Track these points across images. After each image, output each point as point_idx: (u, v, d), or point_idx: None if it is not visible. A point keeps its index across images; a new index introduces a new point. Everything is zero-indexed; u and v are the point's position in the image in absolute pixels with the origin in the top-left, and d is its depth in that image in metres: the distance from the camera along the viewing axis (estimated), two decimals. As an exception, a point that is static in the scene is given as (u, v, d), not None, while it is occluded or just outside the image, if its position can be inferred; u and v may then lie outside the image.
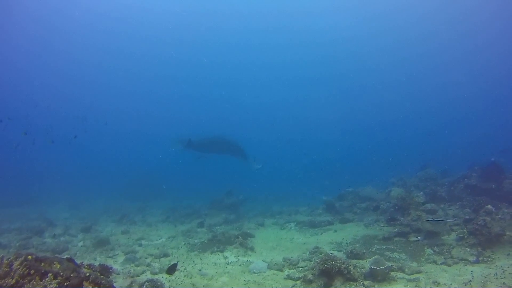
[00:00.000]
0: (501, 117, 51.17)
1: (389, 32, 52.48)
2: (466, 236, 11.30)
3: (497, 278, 8.61)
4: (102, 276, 5.99)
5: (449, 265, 9.93)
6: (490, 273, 8.94)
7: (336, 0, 47.57)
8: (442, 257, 10.57)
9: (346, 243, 13.27)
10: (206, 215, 19.95)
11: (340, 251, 12.26)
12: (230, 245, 13.28)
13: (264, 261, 11.52)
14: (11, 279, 4.62)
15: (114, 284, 8.96)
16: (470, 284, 8.41)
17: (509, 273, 8.84)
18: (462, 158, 24.49)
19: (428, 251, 11.31)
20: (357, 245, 12.66)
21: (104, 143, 55.38)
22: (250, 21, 52.13)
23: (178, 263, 9.19)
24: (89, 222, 18.73)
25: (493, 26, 46.25)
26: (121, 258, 12.25)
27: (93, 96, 61.68)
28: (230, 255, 12.45)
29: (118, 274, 10.24)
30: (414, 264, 10.24)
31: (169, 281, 9.58)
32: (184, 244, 14.04)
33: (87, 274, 5.52)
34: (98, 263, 6.66)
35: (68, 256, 6.06)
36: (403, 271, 9.59)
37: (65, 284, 4.89)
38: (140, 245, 14.42)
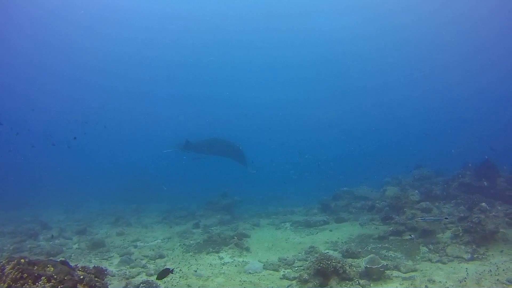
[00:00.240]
0: (495, 117, 51.66)
1: (386, 32, 52.45)
2: (460, 234, 11.36)
3: (491, 275, 8.66)
4: (96, 279, 5.96)
5: (444, 263, 9.98)
6: (484, 270, 8.99)
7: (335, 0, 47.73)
8: (437, 255, 10.62)
9: (342, 242, 13.29)
10: (201, 216, 19.90)
11: (335, 250, 12.28)
12: (225, 246, 13.26)
13: (259, 261, 11.51)
14: (3, 283, 4.58)
15: (109, 286, 8.94)
16: (465, 281, 8.45)
17: (503, 270, 8.90)
18: (455, 157, 24.58)
19: (423, 249, 11.35)
20: (353, 244, 12.68)
21: (101, 146, 55.14)
22: (247, 22, 52.01)
23: (173, 268, 9.05)
24: (84, 224, 18.62)
25: (489, 28, 46.51)
26: (116, 260, 12.19)
27: (92, 97, 61.46)
28: (226, 255, 12.43)
29: (113, 276, 10.19)
30: (410, 263, 10.28)
31: (164, 282, 9.55)
32: (180, 245, 14.01)
33: (81, 277, 5.48)
34: (93, 266, 6.62)
35: (62, 259, 6.02)
36: (398, 270, 9.63)
37: (59, 287, 4.85)
38: (136, 246, 14.36)
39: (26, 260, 5.05)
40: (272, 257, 11.91)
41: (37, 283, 4.67)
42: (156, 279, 8.48)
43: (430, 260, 10.33)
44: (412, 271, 9.53)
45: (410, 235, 12.28)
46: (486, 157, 16.67)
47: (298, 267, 10.70)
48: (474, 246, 10.62)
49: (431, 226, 12.23)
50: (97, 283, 5.71)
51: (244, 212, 21.44)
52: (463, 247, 10.75)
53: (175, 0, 46.77)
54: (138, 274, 10.51)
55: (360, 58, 57.79)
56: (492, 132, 45.81)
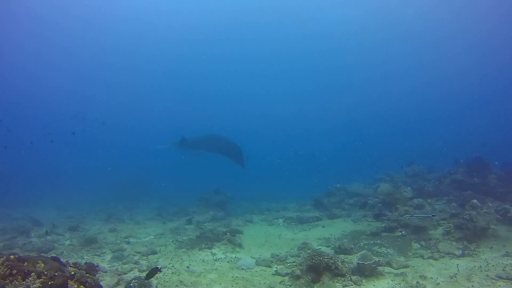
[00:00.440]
0: (485, 113, 52.05)
1: (380, 28, 52.77)
2: (452, 231, 11.44)
3: (481, 271, 8.74)
4: (88, 275, 5.93)
5: (435, 259, 10.05)
6: (475, 266, 9.07)
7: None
8: (429, 251, 10.69)
9: (334, 238, 13.33)
10: (194, 213, 19.86)
11: (328, 246, 12.32)
12: (218, 242, 13.25)
13: (252, 257, 11.52)
14: (-8, 280, 4.54)
15: (101, 283, 8.89)
16: (455, 277, 8.52)
17: (493, 266, 8.98)
18: (447, 153, 24.74)
19: (416, 245, 11.42)
20: (345, 240, 12.73)
21: (98, 142, 54.81)
22: (245, 15, 52.17)
23: (161, 267, 8.91)
24: (76, 221, 18.52)
25: (482, 25, 46.82)
26: (108, 256, 12.13)
27: (89, 93, 61.18)
28: (218, 251, 12.42)
29: (106, 272, 10.14)
30: (402, 259, 10.34)
31: (157, 278, 9.52)
32: (172, 241, 13.96)
33: (72, 273, 5.45)
34: (85, 262, 6.58)
35: (54, 255, 5.98)
36: (390, 266, 9.67)
37: (49, 283, 4.81)
38: (128, 243, 14.29)
39: (16, 256, 5.00)
40: (264, 253, 11.92)
41: (26, 280, 4.63)
42: (145, 279, 8.36)
43: (422, 256, 10.40)
44: (404, 267, 9.58)
45: (401, 232, 12.34)
46: (478, 154, 16.80)
47: (290, 263, 10.72)
48: (465, 243, 10.71)
49: (423, 222, 12.30)
50: (88, 279, 5.67)
51: (237, 208, 21.43)
52: (454, 243, 10.83)
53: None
54: (131, 270, 10.46)
55: (355, 52, 57.92)
56: (483, 128, 46.18)
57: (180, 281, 9.36)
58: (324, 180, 23.64)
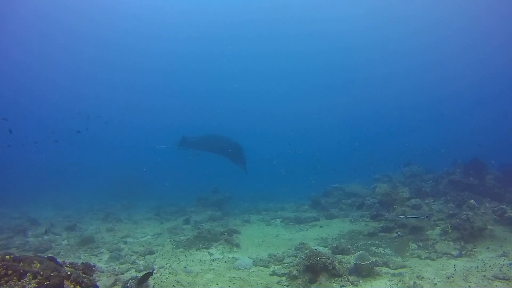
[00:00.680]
0: (482, 114, 52.17)
1: (379, 27, 52.89)
2: (449, 231, 11.46)
3: (478, 271, 8.75)
4: (84, 275, 5.92)
5: (433, 260, 10.06)
6: (472, 267, 9.08)
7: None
8: (426, 251, 10.70)
9: (332, 238, 13.33)
10: (192, 212, 19.84)
11: (325, 246, 12.31)
12: (215, 242, 13.23)
13: (249, 257, 11.50)
14: (-13, 280, 4.52)
15: (98, 283, 8.88)
16: (452, 278, 8.52)
17: (489, 266, 9.00)
18: (445, 154, 24.76)
19: (413, 246, 11.43)
20: (343, 240, 12.73)
21: (99, 141, 54.77)
22: (246, 14, 52.35)
23: (153, 270, 8.70)
24: (74, 220, 18.49)
25: (482, 25, 46.97)
26: (105, 256, 12.11)
27: (89, 91, 61.19)
28: (216, 251, 12.41)
29: (102, 272, 10.12)
30: (399, 259, 10.34)
31: (154, 278, 9.51)
32: (170, 241, 13.95)
33: (69, 273, 5.44)
34: (81, 262, 6.57)
35: (50, 255, 5.96)
36: (387, 266, 9.67)
37: (45, 283, 4.80)
38: (125, 242, 14.27)
39: (12, 256, 4.99)
40: (262, 253, 11.91)
41: (22, 280, 4.61)
42: (137, 286, 8.18)
43: (419, 256, 10.41)
44: (401, 267, 9.59)
45: (397, 233, 12.35)
46: (475, 155, 16.83)
47: (288, 263, 10.71)
48: (462, 243, 10.72)
49: (420, 223, 12.32)
50: (85, 279, 5.66)
51: (234, 208, 21.44)
52: (451, 243, 10.84)
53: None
54: (128, 270, 10.44)
55: (352, 52, 58.00)
56: (480, 128, 46.30)
57: (177, 281, 9.34)
58: (322, 180, 23.63)
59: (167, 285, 9.11)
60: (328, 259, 8.93)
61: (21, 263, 4.98)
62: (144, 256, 12.11)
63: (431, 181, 18.08)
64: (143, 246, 13.30)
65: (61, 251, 12.81)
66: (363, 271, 9.03)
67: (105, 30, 52.29)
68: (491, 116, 50.77)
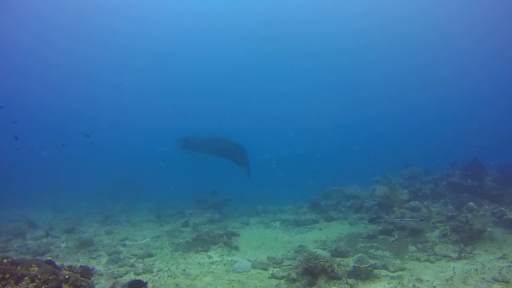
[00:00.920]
0: (482, 116, 52.29)
1: (379, 29, 52.98)
2: (449, 233, 11.45)
3: (477, 274, 8.74)
4: (82, 278, 5.88)
5: (432, 262, 10.05)
6: (471, 269, 9.07)
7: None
8: (426, 254, 10.69)
9: (331, 241, 13.31)
10: (191, 215, 19.79)
11: (324, 249, 12.30)
12: (214, 245, 13.20)
13: (248, 260, 11.49)
14: (-17, 285, 4.49)
15: (97, 286, 8.90)
16: (451, 280, 8.51)
17: (489, 268, 8.99)
18: (444, 155, 24.77)
19: (412, 248, 11.42)
20: (342, 243, 12.71)
21: (102, 144, 54.81)
22: (244, 16, 52.46)
23: (147, 282, 8.52)
24: (73, 223, 18.47)
25: (481, 26, 47.09)
26: (104, 259, 12.08)
27: (90, 93, 61.20)
28: (215, 254, 12.39)
29: (101, 275, 10.10)
30: (398, 262, 10.32)
31: (153, 281, 9.49)
32: (169, 244, 13.93)
33: (67, 277, 5.41)
34: (80, 265, 6.54)
35: (48, 259, 5.93)
36: (386, 269, 9.66)
37: (43, 287, 4.77)
38: (124, 245, 14.25)
39: (9, 260, 4.96)
40: (261, 256, 11.89)
41: (20, 284, 4.59)
42: None
43: (418, 259, 10.39)
44: (400, 270, 9.57)
45: (394, 236, 12.34)
46: (475, 157, 16.81)
47: (287, 266, 10.69)
48: (461, 245, 10.71)
49: (419, 225, 12.31)
50: (83, 283, 5.64)
51: (233, 211, 21.43)
52: (451, 246, 10.83)
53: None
54: (126, 273, 10.41)
55: (352, 53, 58.06)
56: (479, 130, 46.37)
57: (176, 284, 9.32)
58: (321, 182, 23.61)
59: (165, 288, 9.11)
60: (327, 262, 8.92)
61: (19, 267, 4.94)
62: (143, 259, 12.09)
63: (430, 183, 18.07)
64: (142, 249, 13.28)
65: (60, 254, 12.79)
66: (362, 274, 9.02)
67: (105, 31, 52.39)
68: (491, 117, 50.91)
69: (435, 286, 8.31)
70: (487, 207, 13.78)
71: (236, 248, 12.99)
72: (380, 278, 9.06)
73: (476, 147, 23.43)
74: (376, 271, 9.36)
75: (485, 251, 10.41)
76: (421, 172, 19.98)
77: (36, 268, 5.10)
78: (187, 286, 9.28)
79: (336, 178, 23.63)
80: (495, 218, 12.75)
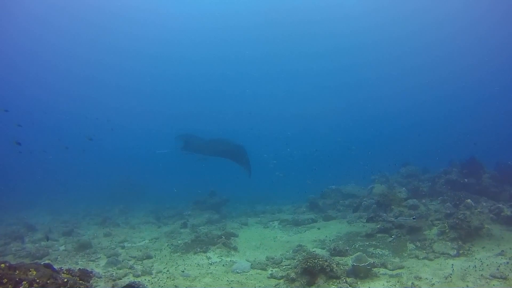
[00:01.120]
0: (479, 114, 52.44)
1: (377, 29, 53.05)
2: (447, 231, 11.46)
3: (475, 271, 8.76)
4: (81, 281, 5.88)
5: (430, 260, 10.07)
6: (469, 266, 9.10)
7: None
8: (424, 251, 10.71)
9: (330, 240, 13.32)
10: (189, 216, 19.77)
11: (323, 248, 12.31)
12: (213, 245, 13.19)
13: (247, 260, 11.49)
14: (-20, 290, 4.48)
15: (95, 289, 8.85)
16: (450, 277, 8.53)
17: (487, 265, 9.01)
18: (441, 153, 24.84)
19: (411, 246, 11.44)
20: (340, 242, 12.71)
21: (102, 146, 54.67)
22: (243, 16, 52.50)
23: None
24: (71, 225, 18.45)
25: (481, 25, 47.21)
26: (103, 261, 12.06)
27: (90, 94, 61.17)
28: (213, 255, 12.38)
29: (100, 277, 10.08)
30: (397, 260, 10.34)
31: (152, 283, 9.49)
32: (167, 245, 13.93)
33: (65, 280, 5.40)
34: (78, 268, 6.53)
35: (46, 262, 5.93)
36: (385, 267, 9.67)
37: (41, 291, 4.77)
38: (123, 247, 14.23)
39: (7, 264, 4.94)
40: (260, 256, 11.90)
41: (17, 288, 4.58)
42: None
43: (417, 257, 10.41)
44: (399, 268, 9.59)
45: (391, 236, 12.36)
46: (472, 154, 16.86)
47: (286, 266, 10.69)
48: (460, 242, 10.73)
49: (418, 223, 12.34)
50: (82, 286, 5.63)
51: (232, 211, 21.43)
52: (449, 243, 10.84)
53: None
54: (125, 275, 10.39)
55: (350, 53, 58.11)
56: (477, 128, 46.49)
57: (175, 286, 9.32)
58: (319, 181, 23.62)
59: (165, 290, 9.10)
60: (326, 261, 8.92)
61: (17, 271, 4.93)
62: (141, 260, 12.07)
63: (428, 181, 18.12)
64: (141, 250, 13.27)
65: (59, 256, 12.76)
66: (361, 273, 9.03)
67: (105, 32, 52.35)
68: (488, 116, 51.04)
69: (433, 284, 8.33)
70: (484, 204, 13.83)
71: (235, 249, 13.00)
72: (379, 277, 9.08)
73: (473, 145, 23.49)
74: (375, 269, 9.38)
75: (483, 248, 10.43)
76: (419, 170, 20.03)
77: (34, 272, 5.09)
78: (186, 287, 9.28)
79: (334, 177, 23.69)
80: (493, 215, 12.79)
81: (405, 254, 10.81)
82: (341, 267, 9.32)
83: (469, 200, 12.77)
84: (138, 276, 10.23)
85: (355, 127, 55.97)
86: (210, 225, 17.59)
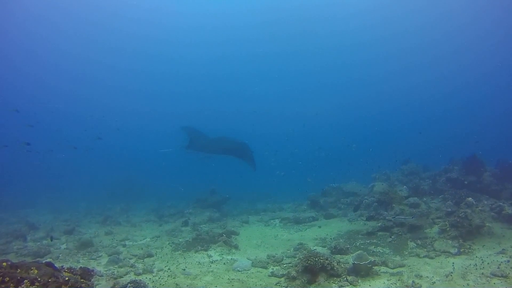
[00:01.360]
0: (480, 112, 52.37)
1: (378, 26, 52.98)
2: (448, 229, 11.47)
3: (476, 269, 8.77)
4: (82, 280, 5.91)
5: (431, 258, 10.08)
6: (470, 264, 9.10)
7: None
8: (425, 250, 10.71)
9: (330, 238, 13.34)
10: (190, 214, 19.78)
11: (324, 246, 12.32)
12: (214, 244, 13.22)
13: (248, 258, 11.51)
14: (-17, 288, 4.50)
15: (97, 287, 8.88)
16: (451, 276, 8.54)
17: (488, 263, 9.01)
18: (442, 152, 24.79)
19: (411, 244, 11.45)
20: (341, 240, 12.73)
21: (105, 146, 54.73)
22: (242, 16, 52.51)
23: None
24: (73, 224, 18.48)
25: (482, 23, 47.08)
26: (104, 260, 12.09)
27: (90, 94, 61.22)
28: (214, 253, 12.40)
29: (101, 276, 10.11)
30: (398, 258, 10.35)
31: (153, 281, 9.51)
32: (169, 244, 13.95)
33: (67, 279, 5.42)
34: (80, 266, 6.54)
35: (47, 261, 5.95)
36: (386, 265, 9.68)
37: (43, 289, 4.79)
38: (124, 245, 14.26)
39: (9, 263, 4.97)
40: (260, 254, 11.92)
41: (19, 287, 4.60)
42: None
43: (417, 255, 10.42)
44: (400, 266, 9.59)
45: (391, 237, 12.36)
46: (473, 152, 16.80)
47: (286, 264, 10.71)
48: (460, 241, 10.73)
49: (419, 221, 12.34)
50: (83, 285, 5.66)
51: (233, 209, 21.44)
52: (450, 241, 10.85)
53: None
54: (127, 273, 10.41)
55: (350, 51, 58.02)
56: (478, 126, 46.41)
57: (176, 284, 9.34)
58: (321, 179, 23.61)
59: (166, 288, 9.12)
60: (327, 260, 8.93)
61: (18, 270, 4.96)
62: (143, 259, 12.10)
63: (429, 179, 18.09)
64: (142, 249, 13.29)
65: (60, 255, 12.79)
66: (362, 271, 9.04)
67: (105, 33, 52.37)
68: (490, 114, 51.01)
69: (434, 282, 8.34)
70: (485, 202, 13.80)
71: (236, 247, 13.02)
72: (379, 275, 9.08)
73: (474, 143, 23.45)
74: (375, 268, 9.38)
75: (484, 246, 10.43)
76: (420, 168, 20.00)
77: (36, 271, 5.11)
78: (187, 285, 9.30)
79: (335, 175, 23.66)
80: (494, 213, 12.78)
81: (406, 253, 10.82)
82: (342, 265, 9.32)
83: (470, 198, 12.76)
84: (139, 274, 10.25)
85: (356, 124, 55.91)
86: (211, 223, 17.62)
